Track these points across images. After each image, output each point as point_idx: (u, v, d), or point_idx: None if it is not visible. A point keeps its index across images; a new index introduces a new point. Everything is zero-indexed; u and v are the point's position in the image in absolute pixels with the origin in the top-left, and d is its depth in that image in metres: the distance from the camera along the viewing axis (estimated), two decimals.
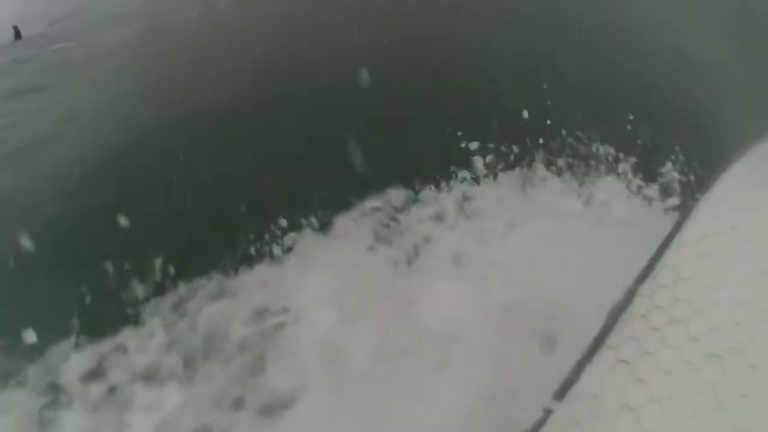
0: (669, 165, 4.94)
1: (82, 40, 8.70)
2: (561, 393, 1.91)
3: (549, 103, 5.52)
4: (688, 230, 2.30)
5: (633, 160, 5.06)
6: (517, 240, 4.38)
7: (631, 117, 5.41)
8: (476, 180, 5.05)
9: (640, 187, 4.86)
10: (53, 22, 10.99)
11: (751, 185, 2.57)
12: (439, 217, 4.74)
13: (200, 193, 5.10)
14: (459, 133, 5.41)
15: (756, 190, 2.52)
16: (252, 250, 4.49)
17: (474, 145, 5.29)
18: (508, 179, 5.02)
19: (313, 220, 4.70)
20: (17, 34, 11.25)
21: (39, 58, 8.21)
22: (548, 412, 1.89)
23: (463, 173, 5.09)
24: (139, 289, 4.13)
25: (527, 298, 3.47)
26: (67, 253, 4.51)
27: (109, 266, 4.30)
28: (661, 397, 1.77)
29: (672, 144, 5.10)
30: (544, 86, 5.81)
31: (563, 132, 5.27)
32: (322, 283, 4.10)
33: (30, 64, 8.12)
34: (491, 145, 5.24)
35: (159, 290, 4.15)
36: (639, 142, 5.25)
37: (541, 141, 5.19)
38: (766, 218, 2.30)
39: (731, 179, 2.64)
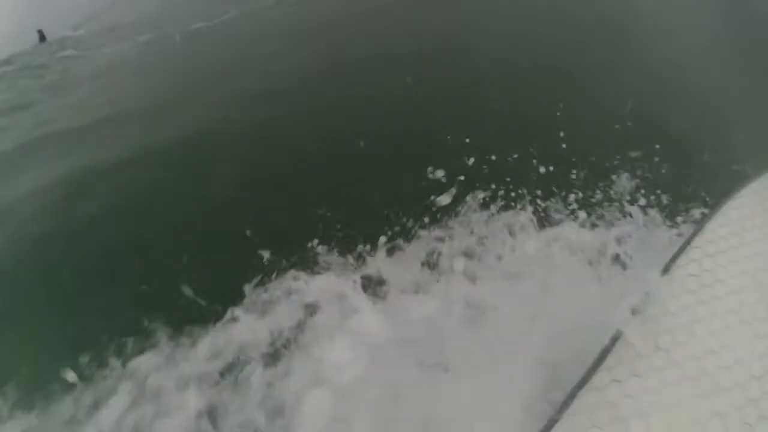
0: (694, 205, 4.53)
1: (89, 49, 8.49)
2: (564, 406, 2.17)
3: (562, 134, 5.24)
4: (678, 267, 2.57)
5: (652, 196, 4.71)
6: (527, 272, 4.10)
7: (651, 151, 5.10)
8: (486, 207, 4.72)
9: (657, 223, 4.50)
10: (76, 27, 10.99)
11: (740, 230, 2.78)
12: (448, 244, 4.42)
13: (192, 222, 4.79)
14: (471, 163, 5.14)
15: (742, 235, 2.74)
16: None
17: (486, 176, 4.99)
18: (519, 210, 4.68)
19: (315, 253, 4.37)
20: (42, 38, 11.29)
21: (46, 67, 8.00)
22: (553, 422, 2.15)
23: (474, 203, 4.74)
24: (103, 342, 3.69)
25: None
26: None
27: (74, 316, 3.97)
28: (646, 411, 2.09)
29: (695, 184, 4.73)
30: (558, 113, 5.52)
31: (578, 166, 4.97)
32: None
33: (35, 72, 7.91)
34: (502, 176, 4.95)
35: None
36: (660, 178, 4.91)
37: (552, 169, 4.93)
38: (746, 263, 2.57)
39: (723, 221, 2.82)
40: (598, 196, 4.71)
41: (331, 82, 6.67)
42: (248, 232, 4.55)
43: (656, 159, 5.03)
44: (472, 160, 5.17)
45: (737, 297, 2.42)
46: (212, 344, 3.63)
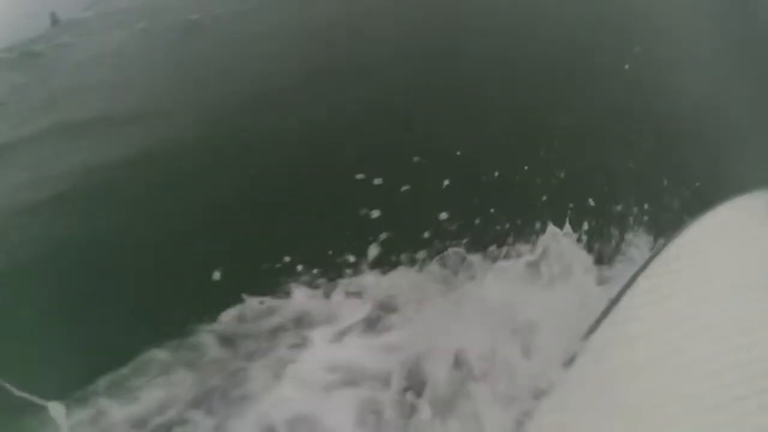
0: None
1: (87, 35, 8.30)
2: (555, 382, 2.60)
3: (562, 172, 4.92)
4: (642, 279, 2.88)
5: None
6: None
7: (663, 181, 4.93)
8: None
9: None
10: (88, 7, 10.75)
11: (696, 254, 3.00)
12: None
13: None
14: (470, 177, 4.92)
15: (695, 260, 2.96)
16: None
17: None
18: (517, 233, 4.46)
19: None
20: (55, 20, 11.16)
21: (39, 56, 7.81)
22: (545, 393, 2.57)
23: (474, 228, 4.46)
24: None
25: None
26: None
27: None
28: (618, 399, 2.45)
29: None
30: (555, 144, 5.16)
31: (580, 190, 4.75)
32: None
33: (24, 63, 7.79)
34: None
35: None
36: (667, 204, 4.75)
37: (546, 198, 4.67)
38: (698, 286, 2.83)
39: (687, 240, 3.03)
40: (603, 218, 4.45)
41: (327, 82, 6.33)
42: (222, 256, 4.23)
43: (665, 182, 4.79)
44: (471, 173, 4.88)
45: (692, 309, 2.77)
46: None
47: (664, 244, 3.10)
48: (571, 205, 4.57)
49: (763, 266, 2.92)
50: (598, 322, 2.77)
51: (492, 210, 4.51)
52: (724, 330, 2.62)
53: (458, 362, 3.50)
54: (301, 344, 3.79)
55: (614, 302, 2.82)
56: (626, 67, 6.26)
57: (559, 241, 4.35)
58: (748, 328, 2.62)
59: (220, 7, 8.20)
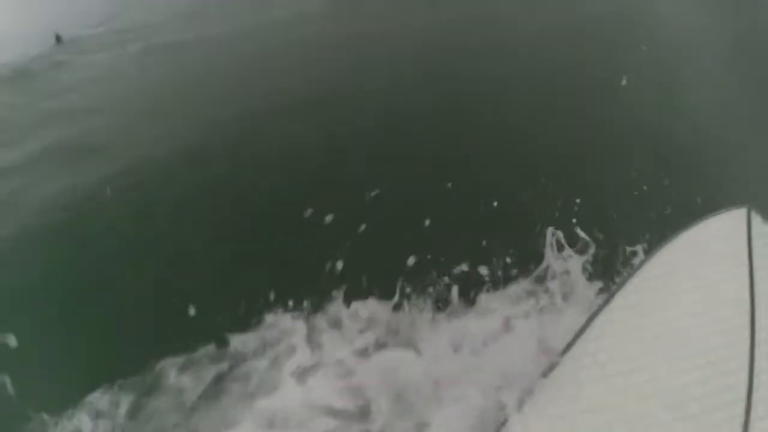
0: None
1: (83, 53, 8.28)
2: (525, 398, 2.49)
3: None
4: (619, 299, 2.77)
5: None
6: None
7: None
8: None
9: None
10: (94, 26, 10.85)
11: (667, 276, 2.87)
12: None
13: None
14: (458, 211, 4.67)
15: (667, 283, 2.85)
16: None
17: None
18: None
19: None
20: (58, 39, 11.27)
21: (29, 76, 7.79)
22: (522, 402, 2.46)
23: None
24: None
25: None
26: None
27: None
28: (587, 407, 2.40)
29: None
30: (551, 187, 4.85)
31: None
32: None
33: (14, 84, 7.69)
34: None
35: None
36: None
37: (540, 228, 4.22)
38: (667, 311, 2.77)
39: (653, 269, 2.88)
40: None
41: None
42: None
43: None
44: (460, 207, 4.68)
45: (666, 327, 2.68)
46: None
47: (643, 262, 2.94)
48: (568, 228, 4.34)
49: (739, 283, 2.88)
50: (575, 338, 2.68)
51: (484, 243, 4.31)
52: (698, 348, 2.62)
53: (439, 389, 3.29)
54: (276, 380, 3.60)
55: (591, 319, 2.72)
56: (623, 82, 6.14)
57: (559, 269, 4.14)
58: (722, 342, 2.63)
59: (217, 28, 8.20)
